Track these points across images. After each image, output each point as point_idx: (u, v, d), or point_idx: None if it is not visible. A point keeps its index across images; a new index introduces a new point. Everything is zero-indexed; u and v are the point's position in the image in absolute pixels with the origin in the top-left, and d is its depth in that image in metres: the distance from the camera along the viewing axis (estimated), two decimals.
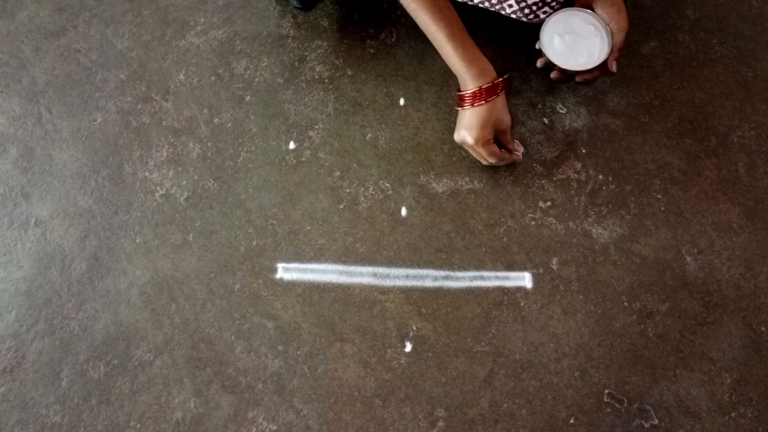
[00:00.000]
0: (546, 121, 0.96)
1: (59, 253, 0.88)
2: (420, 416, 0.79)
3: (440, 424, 0.78)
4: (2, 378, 0.81)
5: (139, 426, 0.78)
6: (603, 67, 0.85)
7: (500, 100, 0.83)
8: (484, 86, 0.80)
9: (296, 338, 0.83)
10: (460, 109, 0.84)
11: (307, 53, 1.01)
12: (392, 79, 0.99)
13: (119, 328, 0.83)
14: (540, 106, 0.97)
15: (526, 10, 0.87)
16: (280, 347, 0.82)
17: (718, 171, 0.93)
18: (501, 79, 0.82)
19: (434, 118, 0.96)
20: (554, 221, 0.89)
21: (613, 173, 0.93)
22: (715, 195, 0.91)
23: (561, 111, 0.97)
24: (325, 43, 1.01)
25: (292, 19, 1.04)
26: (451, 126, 0.95)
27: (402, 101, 0.97)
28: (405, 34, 1.01)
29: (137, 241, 0.88)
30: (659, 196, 0.91)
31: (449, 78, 0.98)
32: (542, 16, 0.87)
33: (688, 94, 0.98)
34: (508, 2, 0.87)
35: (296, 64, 1.00)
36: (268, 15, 1.04)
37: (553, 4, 0.86)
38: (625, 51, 0.88)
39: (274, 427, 0.78)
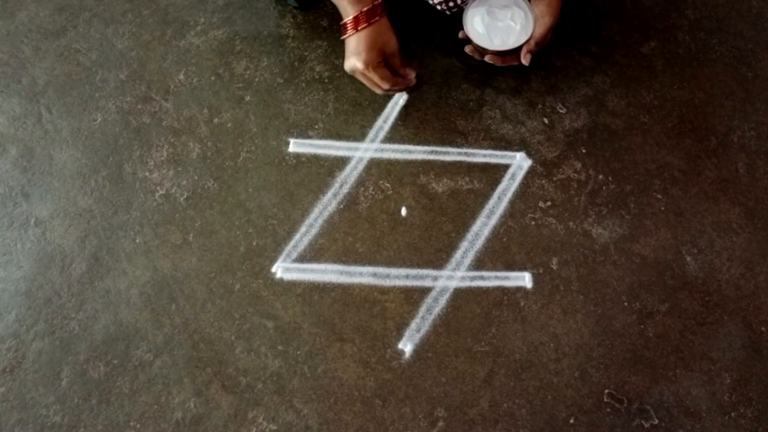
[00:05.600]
0: (546, 121, 0.96)
1: (59, 253, 0.88)
2: (420, 416, 0.78)
3: (440, 424, 0.78)
4: (2, 378, 0.81)
5: (139, 426, 0.78)
6: (516, 55, 0.85)
7: (383, 22, 0.83)
8: (364, 9, 0.81)
9: (296, 338, 0.83)
10: (345, 38, 0.84)
11: (307, 53, 1.01)
12: None
13: (119, 328, 0.83)
14: (540, 106, 0.97)
15: (450, 3, 0.90)
16: (280, 347, 0.82)
17: (718, 171, 0.93)
18: (380, 1, 0.83)
19: (434, 118, 0.96)
20: (554, 221, 0.89)
21: (613, 173, 0.93)
22: (715, 195, 0.91)
23: (561, 111, 0.97)
24: (325, 43, 1.01)
25: (292, 19, 1.04)
26: (451, 125, 0.96)
27: (402, 101, 0.97)
28: (405, 34, 1.01)
29: (137, 241, 0.88)
30: (659, 196, 0.91)
31: (449, 78, 0.98)
32: (460, 2, 0.89)
33: (688, 94, 0.98)
34: None
35: (296, 64, 1.00)
36: (268, 15, 1.04)
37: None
38: (545, 48, 0.90)
39: (274, 427, 0.78)
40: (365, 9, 0.82)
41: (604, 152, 0.94)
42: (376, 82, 0.85)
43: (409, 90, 0.93)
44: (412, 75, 0.89)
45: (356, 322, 0.84)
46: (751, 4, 1.06)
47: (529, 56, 0.86)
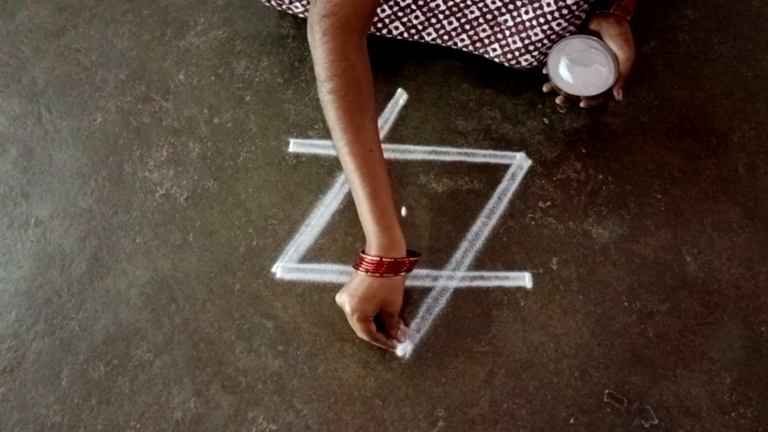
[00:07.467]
0: (546, 121, 0.96)
1: (59, 253, 0.88)
2: (420, 416, 0.78)
3: (440, 424, 0.78)
4: (2, 378, 0.81)
5: (139, 426, 0.78)
6: (608, 94, 0.86)
7: (398, 280, 0.76)
8: (387, 259, 0.73)
9: (296, 338, 0.83)
10: (354, 270, 0.76)
11: (307, 53, 1.01)
12: (392, 79, 0.99)
13: (119, 328, 0.83)
14: (540, 106, 0.97)
15: (509, 55, 0.91)
16: (280, 347, 0.82)
17: (718, 171, 0.93)
18: (408, 260, 0.76)
19: (434, 118, 0.96)
20: (554, 221, 0.89)
21: (613, 173, 0.93)
22: (715, 195, 0.91)
23: (561, 111, 0.97)
24: None
25: (292, 19, 1.04)
26: (451, 126, 0.96)
27: (402, 101, 0.97)
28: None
29: (137, 241, 0.88)
30: (659, 196, 0.91)
31: (449, 78, 0.98)
32: (523, 63, 0.91)
33: (688, 94, 0.99)
34: (492, 47, 0.90)
35: (296, 64, 1.00)
36: (268, 15, 1.04)
37: (535, 53, 0.89)
38: (631, 80, 0.89)
39: (274, 427, 0.78)
40: (388, 260, 0.73)
41: (604, 152, 0.94)
42: (356, 330, 0.78)
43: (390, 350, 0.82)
44: (401, 340, 0.80)
45: None
46: (751, 4, 1.06)
47: (620, 91, 0.86)
